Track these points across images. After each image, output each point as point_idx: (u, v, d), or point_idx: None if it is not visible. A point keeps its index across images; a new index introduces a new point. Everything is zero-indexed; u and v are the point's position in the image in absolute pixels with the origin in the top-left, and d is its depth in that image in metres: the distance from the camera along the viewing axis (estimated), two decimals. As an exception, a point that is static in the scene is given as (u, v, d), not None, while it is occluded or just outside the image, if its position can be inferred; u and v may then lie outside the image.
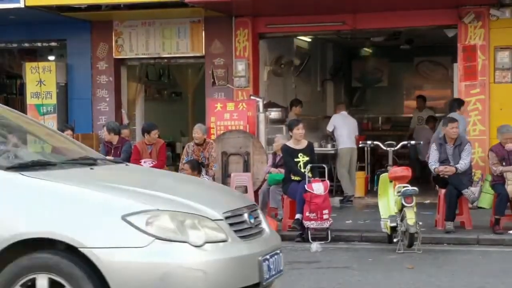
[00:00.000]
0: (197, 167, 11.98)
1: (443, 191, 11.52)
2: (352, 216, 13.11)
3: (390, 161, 11.55)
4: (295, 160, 11.66)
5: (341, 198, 14.94)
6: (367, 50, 21.51)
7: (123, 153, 12.94)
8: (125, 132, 14.32)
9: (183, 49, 15.84)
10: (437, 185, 11.98)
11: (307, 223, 11.06)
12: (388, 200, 10.68)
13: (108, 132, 13.16)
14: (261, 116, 14.65)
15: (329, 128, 15.38)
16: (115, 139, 13.11)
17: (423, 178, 15.68)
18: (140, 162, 12.65)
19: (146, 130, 13.04)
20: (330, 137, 15.67)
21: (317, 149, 14.74)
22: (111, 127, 13.29)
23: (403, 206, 10.16)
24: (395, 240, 10.43)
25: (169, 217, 5.25)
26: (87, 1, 14.45)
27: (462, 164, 11.38)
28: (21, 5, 14.31)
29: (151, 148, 12.87)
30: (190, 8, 14.49)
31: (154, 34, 15.90)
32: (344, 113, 15.63)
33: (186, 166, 11.99)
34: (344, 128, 15.26)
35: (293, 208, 11.56)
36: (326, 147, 15.50)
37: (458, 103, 13.50)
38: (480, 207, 13.32)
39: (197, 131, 13.16)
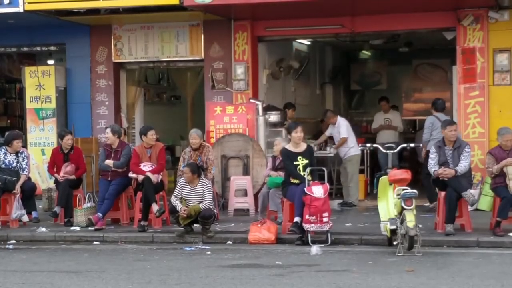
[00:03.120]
0: (197, 170, 11.93)
1: (442, 193, 11.51)
2: (352, 219, 13.09)
3: (390, 164, 11.53)
4: (295, 163, 11.64)
5: (340, 202, 14.79)
6: (366, 53, 21.52)
7: (123, 157, 12.90)
8: None
9: (182, 52, 15.86)
10: (436, 188, 11.97)
11: (307, 226, 11.04)
12: (388, 203, 10.65)
13: (113, 133, 13.09)
14: (261, 119, 14.67)
15: (345, 134, 14.81)
16: (116, 142, 13.09)
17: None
18: (140, 166, 12.65)
19: (142, 133, 13.00)
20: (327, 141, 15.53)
21: (320, 152, 14.83)
22: (116, 129, 13.26)
23: (403, 209, 10.16)
24: (395, 243, 10.43)
25: None
26: (86, 5, 14.45)
27: (462, 167, 11.37)
28: (20, 9, 14.32)
29: (150, 151, 12.83)
30: (189, 11, 14.51)
31: (153, 38, 15.93)
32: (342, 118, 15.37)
33: (186, 169, 11.93)
34: (351, 133, 15.10)
35: (292, 211, 11.52)
36: (325, 150, 15.41)
37: (443, 103, 13.48)
38: (479, 209, 13.34)
39: (195, 137, 13.11)
